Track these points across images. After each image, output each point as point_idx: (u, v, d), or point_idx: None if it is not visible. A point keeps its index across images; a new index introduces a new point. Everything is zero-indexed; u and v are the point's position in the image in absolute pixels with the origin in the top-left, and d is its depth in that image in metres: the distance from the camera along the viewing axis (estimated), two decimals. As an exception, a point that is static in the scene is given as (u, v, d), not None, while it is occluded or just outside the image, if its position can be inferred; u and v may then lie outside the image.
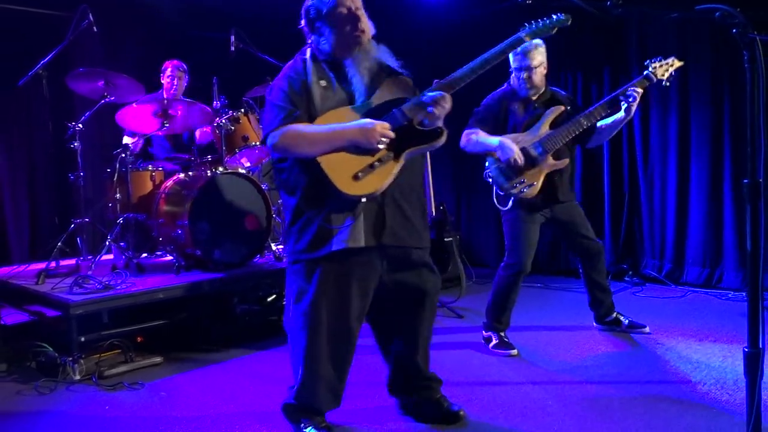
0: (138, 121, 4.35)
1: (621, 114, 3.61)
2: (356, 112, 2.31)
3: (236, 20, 5.66)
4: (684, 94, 5.18)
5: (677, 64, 3.59)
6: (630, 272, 5.54)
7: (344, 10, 2.31)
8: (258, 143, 4.70)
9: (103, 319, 3.61)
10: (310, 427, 2.50)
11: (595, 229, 5.79)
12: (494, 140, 3.54)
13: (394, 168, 2.27)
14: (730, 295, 4.82)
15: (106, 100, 4.38)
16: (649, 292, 5.13)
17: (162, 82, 4.99)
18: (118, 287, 3.68)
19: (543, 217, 3.73)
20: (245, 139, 4.62)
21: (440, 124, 2.34)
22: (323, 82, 2.34)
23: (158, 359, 3.67)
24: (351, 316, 2.45)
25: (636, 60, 5.34)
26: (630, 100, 3.52)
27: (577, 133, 3.57)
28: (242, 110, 4.68)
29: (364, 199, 2.28)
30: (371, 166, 2.24)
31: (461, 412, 2.70)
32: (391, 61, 2.42)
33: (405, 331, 2.64)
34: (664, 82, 3.57)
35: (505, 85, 3.77)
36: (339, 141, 2.24)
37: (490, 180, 3.65)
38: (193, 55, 5.60)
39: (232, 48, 5.18)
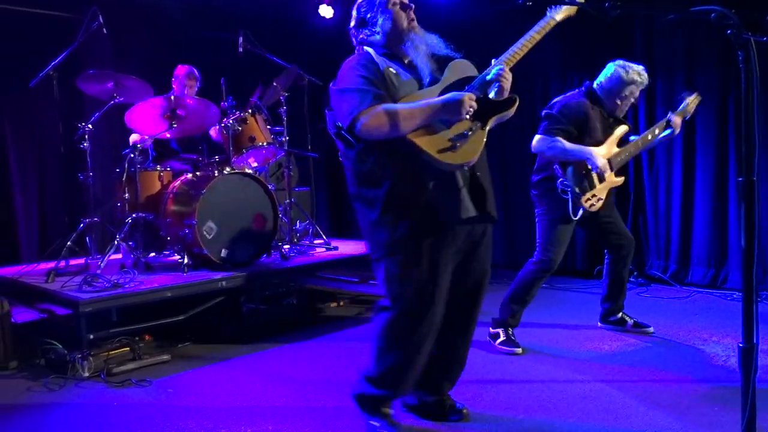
0: (146, 122, 4.40)
1: (667, 132, 3.82)
2: (434, 92, 2.35)
3: (244, 21, 5.72)
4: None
5: (699, 99, 3.92)
6: (635, 273, 5.55)
7: (397, 0, 2.43)
8: (265, 143, 4.75)
9: (112, 317, 3.67)
10: (383, 423, 2.53)
11: (601, 229, 5.82)
12: (587, 151, 3.58)
13: (484, 136, 2.35)
14: (735, 296, 4.82)
15: (116, 101, 4.44)
16: (654, 293, 5.14)
17: (173, 86, 5.04)
18: (127, 286, 3.74)
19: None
20: (252, 139, 4.67)
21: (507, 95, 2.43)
22: (392, 69, 2.38)
23: (166, 357, 3.72)
24: (444, 293, 2.44)
25: (643, 61, 5.34)
26: (674, 128, 3.79)
27: (636, 153, 3.84)
28: (249, 111, 4.73)
29: (466, 168, 2.35)
30: (464, 135, 2.29)
31: (465, 410, 2.72)
32: (443, 47, 2.49)
33: (458, 322, 2.61)
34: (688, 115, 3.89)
35: (579, 95, 3.79)
36: (431, 114, 2.26)
37: (569, 191, 3.59)
38: (201, 55, 5.67)
39: (240, 49, 5.25)
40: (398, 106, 2.24)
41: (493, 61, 2.44)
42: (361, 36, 2.50)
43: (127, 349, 3.73)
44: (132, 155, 4.38)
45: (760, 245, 4.95)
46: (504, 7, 5.39)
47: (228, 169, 4.41)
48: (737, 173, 4.94)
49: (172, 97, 4.35)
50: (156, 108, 4.36)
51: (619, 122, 3.79)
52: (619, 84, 3.70)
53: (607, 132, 3.72)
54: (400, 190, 2.31)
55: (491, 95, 2.40)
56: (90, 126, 4.34)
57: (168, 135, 4.56)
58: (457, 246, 2.43)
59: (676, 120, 3.78)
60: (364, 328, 4.40)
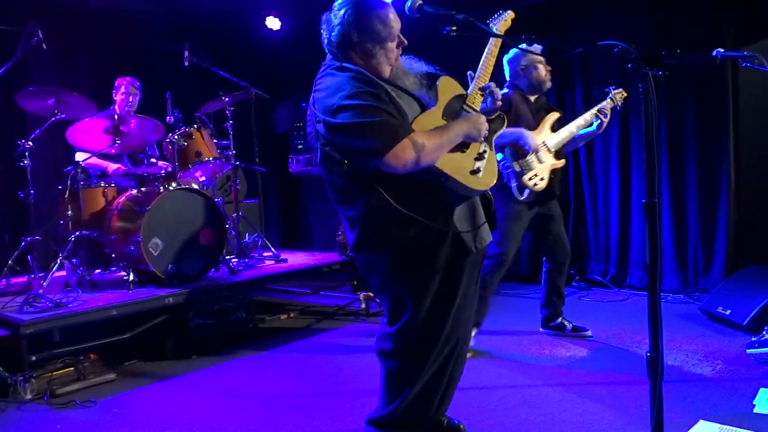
0: (89, 138, 4.37)
1: (593, 128, 3.96)
2: (438, 114, 2.27)
3: (190, 33, 5.71)
4: (624, 108, 5.41)
5: (624, 93, 4.05)
6: (577, 277, 5.75)
7: (391, 30, 2.24)
8: (211, 158, 4.76)
9: (54, 338, 3.62)
10: None
11: (543, 236, 6.01)
12: (517, 131, 3.79)
13: (494, 155, 2.38)
14: (669, 298, 5.05)
15: (57, 117, 4.39)
16: (595, 296, 5.34)
17: (114, 98, 5.00)
18: (70, 305, 3.70)
19: (532, 213, 3.98)
20: (198, 154, 4.68)
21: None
22: (393, 92, 2.21)
23: (112, 376, 3.70)
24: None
25: (580, 83, 5.61)
26: (603, 117, 3.91)
27: (569, 137, 3.95)
28: (195, 126, 4.74)
29: (490, 192, 2.37)
30: (482, 157, 2.27)
31: (461, 426, 2.61)
32: (426, 67, 2.42)
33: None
34: (618, 107, 4.06)
35: (507, 89, 3.99)
36: (456, 140, 2.19)
37: (508, 171, 3.85)
38: (147, 68, 5.63)
39: (186, 62, 5.23)
40: (424, 137, 2.09)
41: (468, 74, 2.43)
42: (344, 54, 2.24)
43: (71, 369, 3.70)
44: (74, 172, 4.33)
45: (687, 248, 5.22)
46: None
47: (174, 184, 4.41)
48: (669, 182, 5.20)
49: (116, 115, 4.33)
50: (99, 124, 4.33)
51: (552, 110, 4.03)
52: (517, 59, 3.96)
53: (540, 119, 3.95)
54: (427, 215, 2.16)
55: (488, 105, 2.40)
56: (30, 143, 4.29)
57: (111, 151, 4.53)
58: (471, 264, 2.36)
59: (606, 105, 3.94)
60: (313, 339, 4.46)
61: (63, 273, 4.40)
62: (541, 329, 4.27)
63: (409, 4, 2.07)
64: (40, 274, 4.32)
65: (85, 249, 4.37)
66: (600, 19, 5.52)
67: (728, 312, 4.12)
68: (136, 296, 3.96)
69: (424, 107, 2.28)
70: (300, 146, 7.48)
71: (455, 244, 2.23)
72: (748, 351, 3.54)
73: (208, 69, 5.39)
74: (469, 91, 2.36)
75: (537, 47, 3.63)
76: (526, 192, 3.82)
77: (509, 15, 2.60)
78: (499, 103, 2.40)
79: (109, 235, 4.36)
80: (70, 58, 5.91)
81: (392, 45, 2.23)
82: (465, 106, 2.31)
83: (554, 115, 3.99)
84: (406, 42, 2.28)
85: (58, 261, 4.19)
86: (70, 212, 4.36)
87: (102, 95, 4.99)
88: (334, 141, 2.12)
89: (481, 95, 2.36)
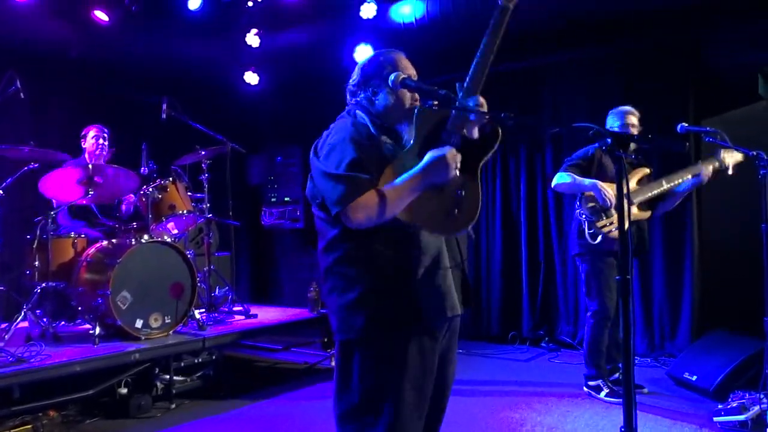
0: (61, 189, 4.31)
1: (688, 184, 4.05)
2: (409, 156, 2.08)
3: (168, 85, 5.77)
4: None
5: (740, 157, 3.94)
6: (546, 338, 5.79)
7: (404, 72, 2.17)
8: (185, 211, 4.74)
9: (14, 394, 3.49)
10: None
11: (514, 296, 6.11)
12: (589, 181, 4.00)
13: (478, 187, 2.11)
14: (636, 361, 5.09)
15: (30, 167, 4.34)
16: (564, 358, 5.37)
17: (84, 146, 4.95)
18: (32, 360, 3.59)
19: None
20: (172, 207, 4.66)
21: (486, 126, 2.18)
22: (390, 146, 2.12)
23: (71, 435, 3.57)
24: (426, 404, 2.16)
25: (549, 140, 5.78)
26: (702, 175, 3.98)
27: (659, 191, 4.05)
28: (170, 178, 4.72)
29: (471, 231, 2.15)
30: (458, 195, 2.06)
31: None
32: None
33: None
34: (730, 171, 3.99)
35: (596, 143, 4.05)
36: (417, 187, 2.01)
37: (583, 217, 4.08)
38: (123, 120, 5.64)
39: (164, 115, 5.24)
40: (384, 189, 2.00)
41: (456, 85, 2.16)
42: (358, 98, 2.23)
43: (29, 426, 3.56)
44: (44, 222, 4.27)
45: (653, 311, 5.33)
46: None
47: (146, 236, 4.36)
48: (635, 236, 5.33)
49: (90, 165, 4.30)
50: (72, 174, 4.29)
51: (642, 166, 4.19)
52: (618, 116, 4.16)
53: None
54: (385, 276, 2.07)
55: (472, 133, 2.14)
56: (1, 191, 4.22)
57: (83, 202, 4.48)
58: (440, 344, 2.19)
59: (705, 168, 3.99)
60: (281, 398, 4.38)
61: (26, 324, 4.28)
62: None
63: (392, 78, 2.12)
64: (2, 325, 4.19)
65: (51, 301, 4.27)
66: (569, 85, 5.75)
67: (695, 378, 4.18)
68: (101, 351, 3.86)
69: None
70: (273, 199, 7.50)
71: (416, 312, 2.06)
72: (714, 419, 3.58)
73: (186, 122, 5.42)
74: (456, 106, 2.08)
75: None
76: (600, 237, 3.99)
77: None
78: (483, 107, 2.10)
79: (76, 287, 4.27)
80: (46, 108, 5.90)
81: (405, 90, 2.15)
82: (446, 134, 2.09)
83: (643, 171, 4.15)
84: (413, 91, 2.17)
85: (22, 313, 4.07)
86: (37, 263, 4.26)
87: (76, 146, 4.96)
88: (315, 180, 2.13)
89: (464, 117, 2.09)
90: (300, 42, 6.35)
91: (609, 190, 3.94)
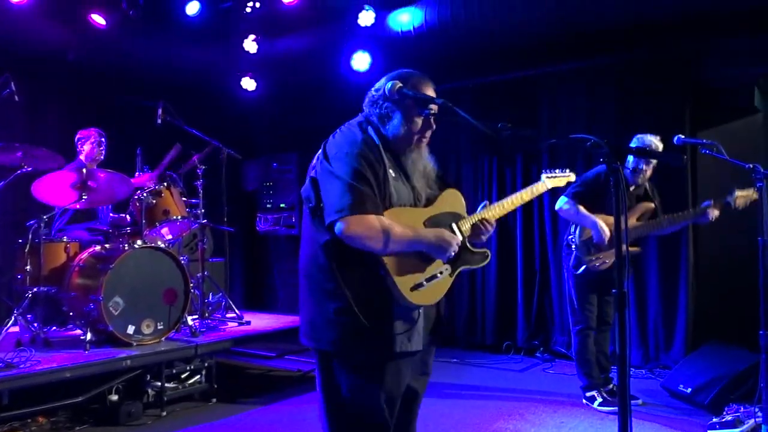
0: (55, 193, 4.27)
1: (690, 221, 4.16)
2: (421, 216, 2.21)
3: (165, 89, 5.74)
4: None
5: (755, 196, 3.90)
6: (541, 348, 5.77)
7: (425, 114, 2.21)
8: (180, 217, 4.71)
9: (2, 400, 3.45)
10: None
11: (509, 305, 6.09)
12: (592, 219, 4.01)
13: (450, 282, 2.24)
14: (631, 373, 5.06)
15: (23, 170, 4.30)
16: (559, 368, 5.35)
17: (80, 150, 4.92)
18: (22, 366, 3.55)
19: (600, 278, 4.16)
20: (166, 212, 4.62)
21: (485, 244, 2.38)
22: (393, 173, 2.17)
23: (60, 442, 3.53)
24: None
25: (546, 150, 5.78)
26: (709, 216, 4.01)
27: (656, 231, 4.10)
28: (165, 184, 4.69)
29: (421, 310, 2.19)
30: (434, 277, 2.17)
31: None
32: (433, 163, 2.34)
33: None
34: (738, 208, 4.01)
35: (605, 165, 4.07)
36: (417, 245, 2.11)
37: (573, 246, 4.15)
38: (118, 124, 5.61)
39: (159, 120, 5.21)
40: (387, 224, 2.05)
41: (485, 203, 2.41)
42: (373, 113, 2.23)
43: (19, 433, 3.52)
44: (37, 226, 4.23)
45: (648, 323, 5.32)
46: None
47: (139, 242, 4.33)
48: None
49: (84, 169, 4.27)
50: (66, 178, 4.26)
51: (647, 199, 4.20)
52: (636, 160, 4.10)
53: (630, 207, 4.12)
54: (360, 298, 2.09)
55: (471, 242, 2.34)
56: (-7, 195, 4.19)
57: (77, 206, 4.45)
58: (408, 368, 2.24)
59: (713, 211, 4.02)
60: (274, 407, 4.35)
61: (16, 329, 4.24)
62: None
63: (389, 86, 2.12)
64: (-8, 331, 4.15)
65: (42, 305, 4.22)
66: (566, 95, 5.76)
67: (689, 390, 4.17)
68: (92, 357, 3.82)
69: (415, 201, 2.22)
70: (269, 205, 7.48)
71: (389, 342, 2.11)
72: (709, 432, 3.57)
73: (181, 127, 5.39)
74: (473, 214, 2.33)
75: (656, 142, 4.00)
76: (583, 268, 4.06)
77: (567, 177, 2.74)
78: (484, 239, 2.34)
79: (68, 292, 4.24)
80: (41, 110, 5.87)
81: (417, 119, 2.19)
82: (454, 225, 2.26)
83: (646, 205, 4.15)
84: (434, 126, 2.23)
85: (13, 317, 4.04)
86: (28, 267, 4.23)
87: (70, 149, 4.93)
88: (319, 182, 2.13)
89: (479, 225, 2.32)
90: (298, 48, 6.35)
91: (607, 230, 3.98)
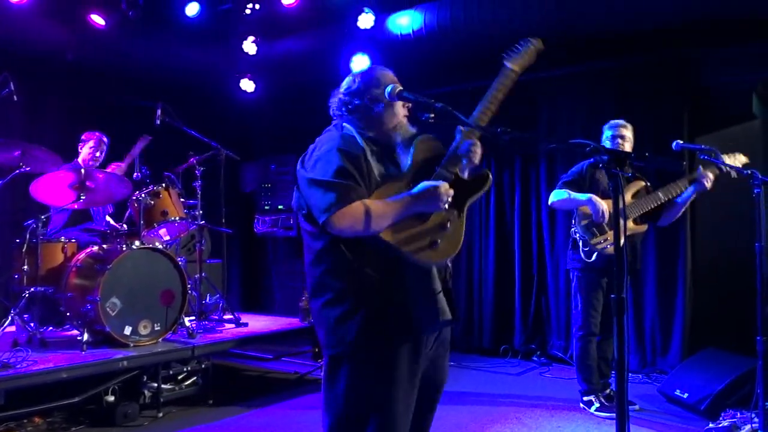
0: (53, 193, 4.27)
1: (689, 192, 4.01)
2: (404, 179, 2.17)
3: (163, 90, 5.74)
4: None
5: (744, 159, 3.87)
6: (538, 352, 5.78)
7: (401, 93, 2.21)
8: (178, 218, 4.70)
9: (-1, 400, 3.45)
10: None
11: (507, 309, 6.09)
12: (585, 196, 4.01)
13: (463, 223, 2.19)
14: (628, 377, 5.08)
15: (21, 170, 4.30)
16: (556, 373, 5.35)
17: (80, 151, 4.93)
18: (18, 366, 3.54)
19: (606, 281, 4.15)
20: (164, 213, 4.62)
21: (480, 167, 2.28)
22: (375, 157, 2.17)
23: (56, 443, 3.52)
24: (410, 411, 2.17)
25: (544, 153, 5.79)
26: (704, 181, 3.90)
27: (655, 205, 4.05)
28: (163, 185, 4.69)
29: (448, 262, 2.19)
30: (443, 227, 2.13)
31: None
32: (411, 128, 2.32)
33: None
34: (725, 169, 3.83)
35: (590, 159, 4.08)
36: (404, 209, 2.08)
37: (577, 236, 4.11)
38: (117, 124, 5.60)
39: (158, 121, 5.21)
40: (372, 204, 2.05)
41: (457, 129, 2.24)
42: (350, 107, 2.25)
43: (14, 434, 3.51)
44: (34, 225, 4.23)
45: (645, 328, 5.33)
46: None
47: (137, 243, 4.33)
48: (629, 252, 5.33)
49: (82, 170, 4.26)
50: (64, 178, 4.25)
51: (636, 180, 4.17)
52: (608, 129, 4.20)
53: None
54: (374, 286, 2.08)
55: (464, 173, 2.25)
56: (-9, 194, 4.19)
57: (75, 207, 4.44)
58: (427, 355, 2.21)
59: (707, 174, 3.89)
60: (270, 409, 4.34)
61: (12, 329, 4.23)
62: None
63: (389, 89, 2.12)
64: (-12, 330, 4.14)
65: (39, 305, 4.21)
66: (565, 100, 5.78)
67: (686, 395, 4.17)
68: (88, 358, 3.81)
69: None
70: (267, 207, 7.48)
71: (408, 321, 2.10)
72: (705, 437, 3.57)
73: (180, 128, 5.39)
74: (451, 147, 2.20)
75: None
76: (595, 255, 3.99)
77: (534, 45, 2.40)
78: (476, 162, 2.23)
79: (65, 293, 4.23)
80: (39, 111, 5.86)
81: (400, 107, 2.23)
82: (441, 169, 2.17)
83: (638, 184, 4.15)
84: (410, 103, 2.23)
85: (9, 317, 4.03)
86: (26, 267, 4.22)
87: (69, 149, 4.93)
88: (302, 190, 2.15)
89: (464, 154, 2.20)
90: (297, 50, 6.36)
91: (604, 204, 3.96)
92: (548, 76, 5.78)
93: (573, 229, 4.18)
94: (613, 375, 4.14)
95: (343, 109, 2.25)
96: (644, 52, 5.28)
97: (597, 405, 4.13)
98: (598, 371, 4.24)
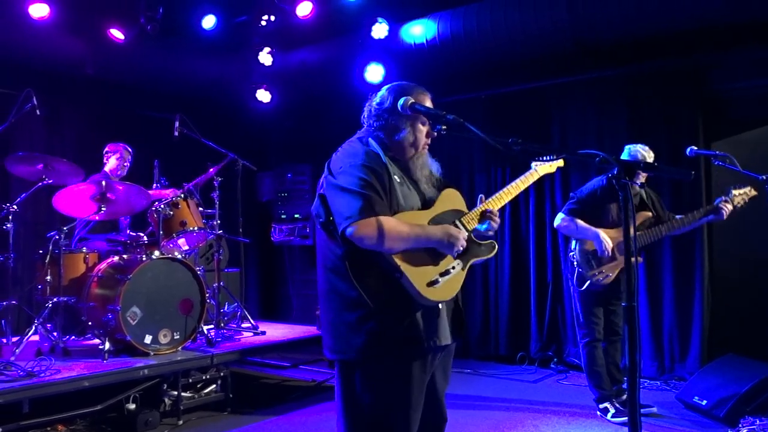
0: (75, 205, 4.36)
1: (703, 220, 4.08)
2: (425, 217, 2.27)
3: (181, 102, 5.82)
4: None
5: (753, 193, 3.98)
6: (555, 359, 5.76)
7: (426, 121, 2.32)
8: (196, 228, 4.77)
9: (24, 409, 3.51)
10: None
11: (522, 316, 6.09)
12: (594, 231, 4.03)
13: (463, 276, 2.30)
14: (645, 384, 5.07)
15: (44, 182, 4.40)
16: (573, 380, 5.34)
17: (106, 162, 5.03)
18: (42, 375, 3.62)
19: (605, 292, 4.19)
20: (183, 224, 4.69)
21: (492, 236, 2.41)
22: (398, 178, 2.26)
23: (79, 450, 3.59)
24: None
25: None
26: (723, 213, 3.97)
27: (656, 239, 4.10)
28: (182, 195, 4.77)
29: (441, 305, 2.25)
30: (447, 272, 2.22)
31: None
32: (435, 168, 2.41)
33: None
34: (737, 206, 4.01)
35: (604, 180, 4.14)
36: (424, 241, 2.17)
37: (575, 263, 4.15)
38: (135, 136, 5.69)
39: (176, 132, 5.29)
40: (393, 223, 2.12)
41: (480, 197, 2.43)
42: (373, 126, 2.32)
43: (38, 441, 3.58)
44: (57, 237, 4.32)
45: (663, 334, 5.30)
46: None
47: (157, 253, 4.40)
48: (646, 265, 5.31)
49: (104, 182, 4.34)
50: (86, 191, 4.34)
51: (642, 207, 4.17)
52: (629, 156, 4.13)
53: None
54: (384, 298, 2.14)
55: (482, 228, 2.38)
56: (15, 207, 4.28)
57: (96, 218, 4.53)
58: (433, 366, 2.30)
59: (726, 206, 3.98)
60: (289, 416, 4.38)
61: (36, 338, 4.32)
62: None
63: (401, 102, 2.17)
64: (13, 339, 4.23)
65: (62, 315, 4.30)
66: (577, 107, 5.78)
67: (704, 402, 4.14)
68: (110, 367, 3.88)
69: (423, 205, 2.29)
70: (283, 216, 7.55)
71: (415, 339, 2.17)
72: (724, 445, 3.55)
73: (197, 139, 5.47)
74: (474, 209, 2.37)
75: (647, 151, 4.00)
76: (586, 284, 4.05)
77: (557, 163, 2.72)
78: (492, 233, 2.38)
79: (87, 302, 4.31)
80: (60, 124, 5.98)
81: (422, 127, 2.30)
82: (457, 222, 2.31)
83: (644, 214, 4.14)
84: (435, 133, 2.32)
85: (33, 326, 4.11)
86: (49, 277, 4.31)
87: (89, 161, 5.03)
88: (327, 197, 2.20)
89: (480, 217, 2.35)
90: (312, 61, 6.43)
91: (609, 242, 3.99)
92: (560, 83, 5.81)
93: (572, 254, 4.22)
94: (626, 380, 4.13)
95: (372, 121, 2.32)
96: (656, 58, 5.28)
97: (613, 411, 4.12)
98: (609, 376, 4.23)
